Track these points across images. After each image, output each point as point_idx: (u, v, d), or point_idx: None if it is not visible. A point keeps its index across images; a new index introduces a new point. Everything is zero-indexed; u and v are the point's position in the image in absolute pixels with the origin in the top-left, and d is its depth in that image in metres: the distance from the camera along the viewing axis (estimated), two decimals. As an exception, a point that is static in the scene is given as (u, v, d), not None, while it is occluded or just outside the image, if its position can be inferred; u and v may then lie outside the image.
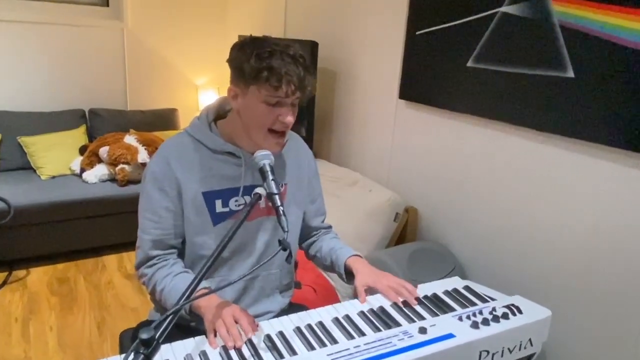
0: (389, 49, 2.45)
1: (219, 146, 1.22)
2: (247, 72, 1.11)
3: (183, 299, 0.91)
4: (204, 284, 1.18)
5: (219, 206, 1.24)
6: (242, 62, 1.12)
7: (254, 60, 1.10)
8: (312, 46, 2.61)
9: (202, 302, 1.12)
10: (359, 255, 1.36)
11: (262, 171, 1.13)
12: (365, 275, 1.28)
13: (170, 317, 0.87)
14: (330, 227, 1.51)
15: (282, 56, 1.10)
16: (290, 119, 1.15)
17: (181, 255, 1.28)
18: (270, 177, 1.11)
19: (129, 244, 3.08)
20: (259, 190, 1.10)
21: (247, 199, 1.26)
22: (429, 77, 2.19)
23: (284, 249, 1.03)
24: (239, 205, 1.25)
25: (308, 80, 1.14)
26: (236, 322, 1.06)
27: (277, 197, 1.09)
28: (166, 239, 1.23)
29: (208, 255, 1.24)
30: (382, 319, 1.15)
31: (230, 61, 1.16)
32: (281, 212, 1.07)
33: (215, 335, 1.05)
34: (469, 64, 1.98)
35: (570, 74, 1.63)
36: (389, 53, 2.45)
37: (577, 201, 1.68)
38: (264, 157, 1.14)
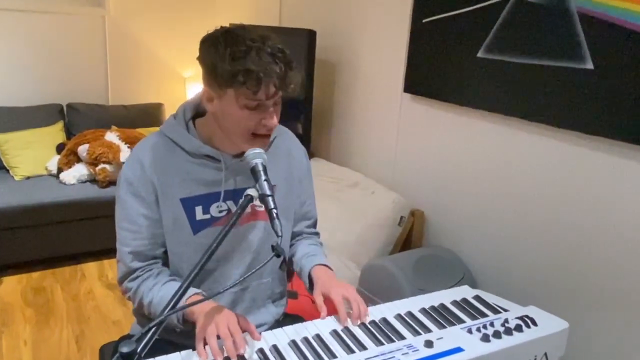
0: (393, 38, 2.45)
1: (196, 149, 1.21)
2: (220, 74, 1.08)
3: (167, 310, 0.91)
4: (194, 290, 1.18)
5: (199, 213, 1.23)
6: (214, 63, 1.09)
7: (228, 62, 1.07)
8: (310, 35, 2.61)
9: (195, 307, 1.11)
10: (327, 266, 1.33)
11: (254, 171, 1.13)
12: (321, 284, 1.24)
13: (154, 329, 0.87)
14: (317, 234, 1.49)
15: (259, 54, 1.07)
16: (274, 122, 1.15)
17: (165, 265, 1.28)
18: (263, 177, 1.11)
19: (111, 251, 3.07)
20: (251, 191, 1.10)
21: (230, 204, 1.25)
22: (437, 69, 2.19)
23: (278, 256, 1.03)
24: (221, 211, 1.25)
25: (290, 76, 1.12)
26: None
27: (270, 199, 1.09)
28: (147, 250, 1.23)
29: (188, 268, 1.24)
30: (385, 332, 1.15)
31: (201, 59, 1.13)
32: (275, 215, 1.07)
33: (205, 345, 1.04)
34: (480, 54, 1.98)
35: (590, 65, 1.63)
36: (393, 43, 2.45)
37: (599, 203, 1.69)
38: (256, 156, 1.14)
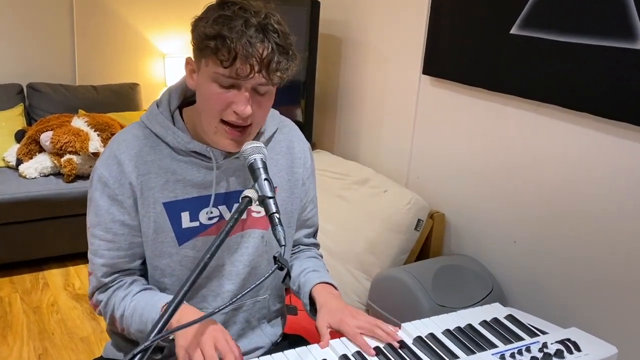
0: (410, 10, 2.44)
1: (182, 144, 1.20)
2: (196, 39, 1.10)
3: (155, 333, 0.90)
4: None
5: (185, 220, 1.22)
6: (197, 25, 1.11)
7: (206, 25, 1.07)
8: (312, 6, 2.60)
9: (174, 321, 1.09)
10: (331, 285, 1.33)
11: (252, 169, 1.12)
12: (328, 312, 1.24)
13: (139, 356, 0.86)
14: (317, 245, 1.50)
15: (246, 24, 1.06)
16: (244, 110, 1.10)
17: (145, 277, 1.28)
18: (263, 176, 1.10)
19: (78, 256, 3.07)
20: (249, 193, 1.08)
21: (222, 209, 1.24)
22: (462, 48, 2.18)
23: (281, 268, 1.03)
24: (212, 218, 1.23)
25: (280, 61, 1.09)
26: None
27: (271, 201, 1.08)
28: (123, 263, 1.23)
29: (172, 283, 1.24)
30: (404, 358, 1.14)
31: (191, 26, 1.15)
32: (277, 220, 1.06)
33: None
34: (514, 30, 1.97)
35: (643, 45, 1.63)
36: (411, 15, 2.44)
37: (649, 207, 1.68)
38: (255, 151, 1.13)
